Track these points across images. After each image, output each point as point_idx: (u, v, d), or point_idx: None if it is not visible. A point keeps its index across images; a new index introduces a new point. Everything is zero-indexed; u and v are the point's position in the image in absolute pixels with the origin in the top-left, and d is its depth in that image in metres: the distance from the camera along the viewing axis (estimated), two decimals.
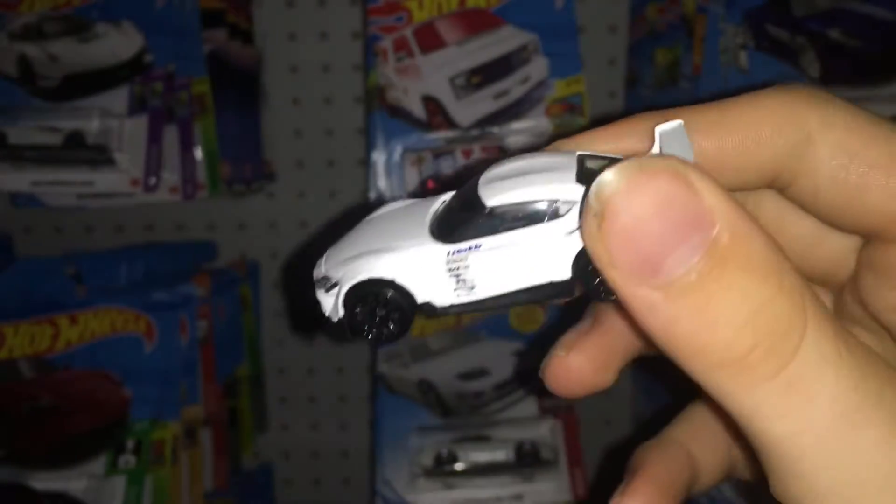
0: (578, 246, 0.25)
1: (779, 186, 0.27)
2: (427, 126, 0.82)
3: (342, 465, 1.12)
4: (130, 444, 0.79)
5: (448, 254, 0.26)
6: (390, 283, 0.27)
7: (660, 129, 0.26)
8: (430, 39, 0.82)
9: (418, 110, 0.82)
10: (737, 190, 0.28)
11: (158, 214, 1.05)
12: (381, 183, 0.83)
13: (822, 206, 0.27)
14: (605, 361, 0.30)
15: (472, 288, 0.27)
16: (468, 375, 0.88)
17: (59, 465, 0.79)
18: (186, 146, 0.86)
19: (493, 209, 0.26)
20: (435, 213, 0.28)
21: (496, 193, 0.26)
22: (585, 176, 0.25)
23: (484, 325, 0.89)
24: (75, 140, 0.81)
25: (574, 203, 0.25)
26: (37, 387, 0.81)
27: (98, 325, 0.82)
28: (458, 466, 0.86)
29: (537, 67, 0.82)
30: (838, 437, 0.20)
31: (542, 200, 0.25)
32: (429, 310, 0.27)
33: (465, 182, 0.29)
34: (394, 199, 0.32)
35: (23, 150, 0.81)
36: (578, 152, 0.27)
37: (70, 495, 0.77)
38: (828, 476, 0.20)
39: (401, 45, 0.82)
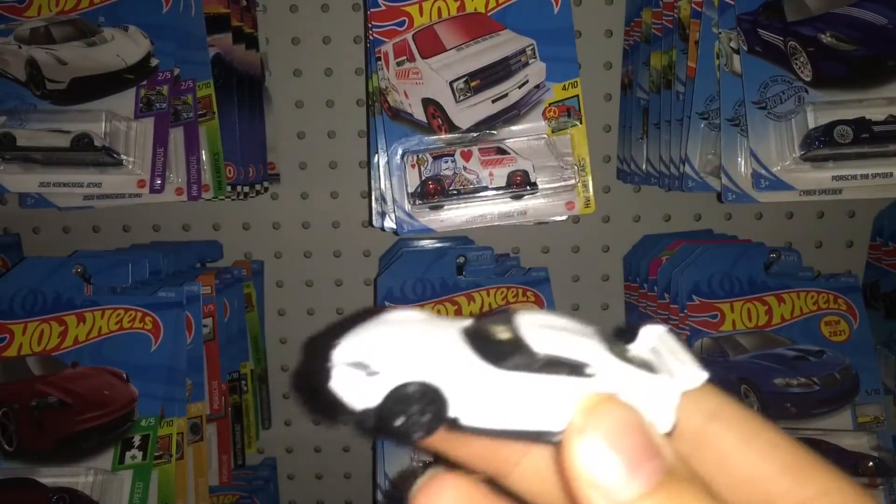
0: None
1: None
2: (427, 129, 0.83)
3: (344, 460, 1.14)
4: (137, 439, 0.80)
5: (497, 376, 0.26)
6: (435, 392, 0.26)
7: None
8: (430, 44, 0.83)
9: (419, 113, 0.83)
10: None
11: (164, 215, 1.07)
12: (382, 184, 0.84)
13: None
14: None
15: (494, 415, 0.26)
16: None
17: (66, 461, 0.79)
18: (192, 148, 0.87)
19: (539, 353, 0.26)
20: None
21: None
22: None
23: None
24: (83, 142, 0.81)
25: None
26: (45, 384, 0.82)
27: (105, 324, 0.83)
28: None
29: (535, 71, 0.83)
30: None
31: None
32: (450, 425, 0.26)
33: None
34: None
35: (31, 151, 0.82)
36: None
37: (77, 490, 0.78)
38: None
39: (401, 50, 0.83)
